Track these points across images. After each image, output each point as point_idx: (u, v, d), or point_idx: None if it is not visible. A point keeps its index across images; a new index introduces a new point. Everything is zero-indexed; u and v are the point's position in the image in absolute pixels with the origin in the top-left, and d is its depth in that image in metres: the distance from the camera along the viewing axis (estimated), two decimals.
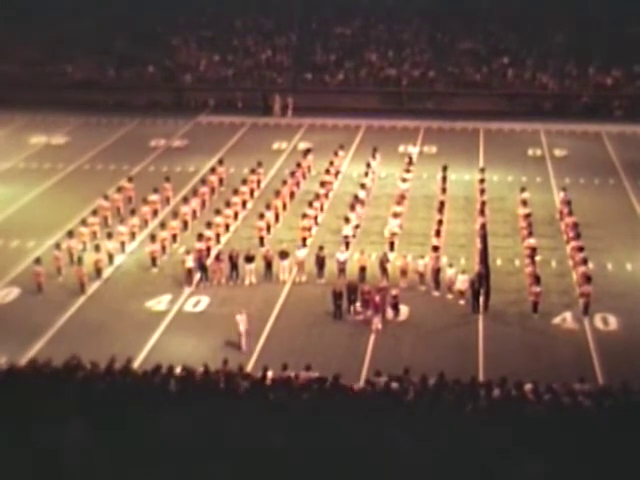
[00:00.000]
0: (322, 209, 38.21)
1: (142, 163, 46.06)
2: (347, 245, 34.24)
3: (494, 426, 18.48)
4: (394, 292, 29.69)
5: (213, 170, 41.80)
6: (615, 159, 46.68)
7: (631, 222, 38.17)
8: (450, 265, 31.53)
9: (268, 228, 35.71)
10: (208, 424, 18.02)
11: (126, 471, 16.86)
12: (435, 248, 32.03)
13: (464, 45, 61.06)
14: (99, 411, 18.36)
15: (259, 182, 41.34)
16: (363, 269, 32.04)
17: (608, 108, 55.55)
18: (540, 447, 17.22)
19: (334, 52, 61.14)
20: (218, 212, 35.96)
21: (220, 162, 42.74)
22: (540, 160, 46.86)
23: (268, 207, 36.42)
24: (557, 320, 29.49)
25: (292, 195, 39.61)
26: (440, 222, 34.52)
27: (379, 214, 37.94)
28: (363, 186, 39.15)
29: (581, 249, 32.16)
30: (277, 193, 37.90)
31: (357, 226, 36.10)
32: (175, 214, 36.73)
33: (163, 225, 35.23)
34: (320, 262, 32.18)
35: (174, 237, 35.06)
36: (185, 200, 37.94)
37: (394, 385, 21.43)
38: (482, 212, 35.56)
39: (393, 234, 34.70)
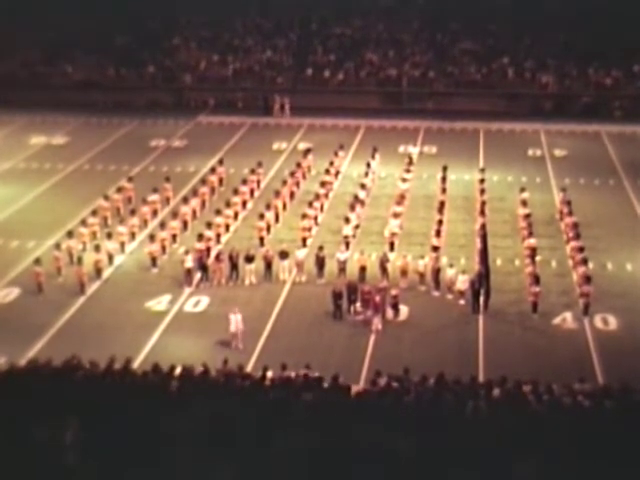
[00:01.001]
0: (322, 209, 38.21)
1: (142, 163, 46.06)
2: (347, 245, 34.23)
3: (494, 426, 18.48)
4: (394, 292, 29.69)
5: (213, 170, 41.80)
6: (615, 159, 46.66)
7: (631, 222, 38.16)
8: (450, 265, 31.53)
9: (268, 228, 35.71)
10: (208, 424, 18.03)
11: (126, 471, 16.87)
12: (435, 248, 32.04)
13: (464, 45, 61.04)
14: (99, 411, 18.37)
15: (259, 182, 41.33)
16: (363, 269, 32.04)
17: (608, 108, 55.51)
18: (540, 447, 17.23)
19: (334, 52, 61.11)
20: (218, 212, 35.95)
21: (220, 162, 42.73)
22: (540, 160, 46.85)
23: (268, 207, 36.42)
24: (557, 320, 29.49)
25: (292, 195, 39.61)
26: (440, 222, 34.52)
27: (379, 214, 37.94)
28: (363, 186, 39.15)
29: (581, 249, 32.15)
30: (277, 193, 37.89)
31: (357, 226, 36.10)
32: (175, 214, 36.72)
33: (163, 225, 35.22)
34: (320, 262, 32.18)
35: (174, 237, 35.05)
36: (185, 200, 37.93)
37: (394, 385, 21.44)
38: (482, 212, 35.55)
39: (393, 234, 34.70)
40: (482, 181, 39.50)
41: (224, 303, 30.47)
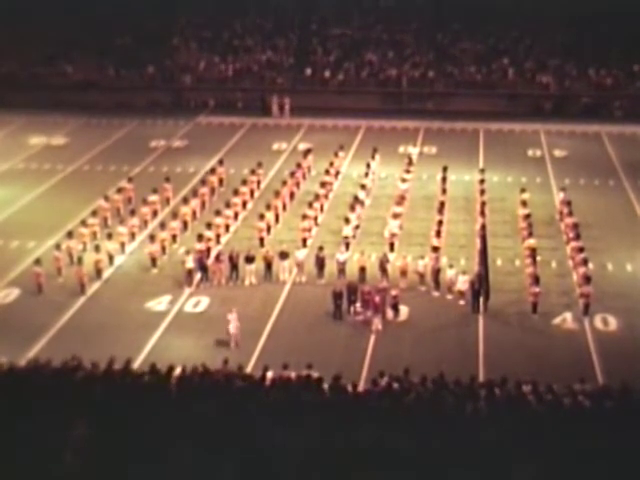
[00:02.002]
0: (322, 210, 38.20)
1: (142, 164, 46.05)
2: (347, 246, 34.24)
3: (494, 426, 18.48)
4: (394, 292, 29.69)
5: (213, 171, 41.79)
6: (615, 159, 46.67)
7: (631, 222, 38.16)
8: (450, 266, 31.53)
9: (268, 229, 35.71)
10: (208, 424, 18.03)
11: (127, 471, 16.88)
12: (435, 249, 32.03)
13: (464, 45, 61.06)
14: (99, 411, 18.38)
15: (259, 183, 41.32)
16: (363, 269, 32.04)
17: (608, 108, 55.54)
18: (540, 447, 17.23)
19: (334, 52, 61.13)
20: (218, 213, 35.95)
21: (220, 163, 42.72)
22: (540, 160, 46.85)
23: (268, 208, 36.42)
24: (557, 320, 29.50)
25: (292, 196, 39.61)
26: (440, 223, 34.52)
27: (379, 215, 37.93)
28: (363, 187, 39.16)
29: (581, 250, 32.15)
30: (277, 194, 37.88)
31: (357, 227, 36.10)
32: (175, 215, 36.72)
33: (163, 226, 35.22)
34: (320, 263, 32.18)
35: (174, 238, 35.05)
36: (185, 201, 37.93)
37: (394, 385, 21.44)
38: (482, 213, 35.55)
39: (393, 235, 34.70)
40: (482, 181, 39.51)
41: (224, 304, 30.47)
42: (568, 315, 29.70)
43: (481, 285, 29.64)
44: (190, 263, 31.87)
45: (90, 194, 39.99)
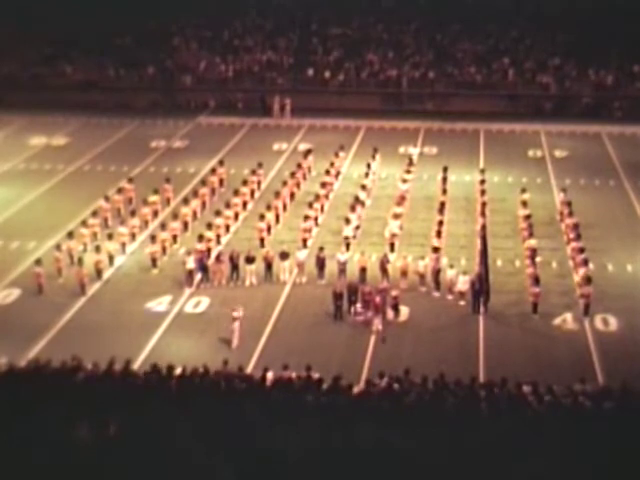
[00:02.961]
0: (322, 210, 38.21)
1: (142, 164, 46.05)
2: (347, 246, 34.24)
3: (494, 426, 18.49)
4: (394, 293, 29.69)
5: (213, 171, 41.78)
6: (615, 160, 46.66)
7: (631, 223, 38.16)
8: (451, 266, 31.53)
9: (268, 229, 35.70)
10: (208, 424, 18.04)
11: (127, 471, 16.87)
12: (435, 249, 32.03)
13: (464, 46, 61.06)
14: (99, 412, 18.38)
15: (259, 183, 41.32)
16: (363, 270, 32.04)
17: (608, 109, 55.52)
18: (540, 447, 17.23)
19: (334, 53, 61.13)
20: (218, 213, 35.95)
21: (220, 163, 42.71)
22: (540, 161, 46.85)
23: (268, 208, 36.41)
24: (557, 321, 29.50)
25: (292, 196, 39.60)
26: (440, 223, 34.52)
27: (379, 215, 37.92)
28: (363, 187, 39.15)
29: (582, 250, 32.14)
30: (277, 194, 37.87)
31: (357, 227, 36.10)
32: (175, 215, 36.73)
33: (163, 226, 35.21)
34: (320, 263, 32.18)
35: (174, 238, 35.05)
36: (185, 201, 37.92)
37: (395, 386, 21.44)
38: (482, 213, 35.55)
39: (393, 235, 34.70)
40: (482, 182, 39.49)
41: (224, 304, 30.48)
42: (568, 315, 29.70)
43: (481, 285, 29.64)
44: (190, 263, 31.87)
45: (90, 194, 40.01)
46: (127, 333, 28.67)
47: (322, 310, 30.01)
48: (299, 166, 41.94)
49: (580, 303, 29.97)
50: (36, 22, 62.31)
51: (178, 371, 22.07)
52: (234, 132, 52.48)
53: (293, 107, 55.37)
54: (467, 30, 62.25)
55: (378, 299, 28.82)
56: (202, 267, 32.02)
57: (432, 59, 60.15)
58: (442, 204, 36.64)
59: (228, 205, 36.93)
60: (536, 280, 29.81)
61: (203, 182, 40.81)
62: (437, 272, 31.42)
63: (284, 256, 32.48)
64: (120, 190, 39.70)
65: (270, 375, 22.67)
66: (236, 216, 37.44)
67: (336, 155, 43.58)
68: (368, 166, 41.72)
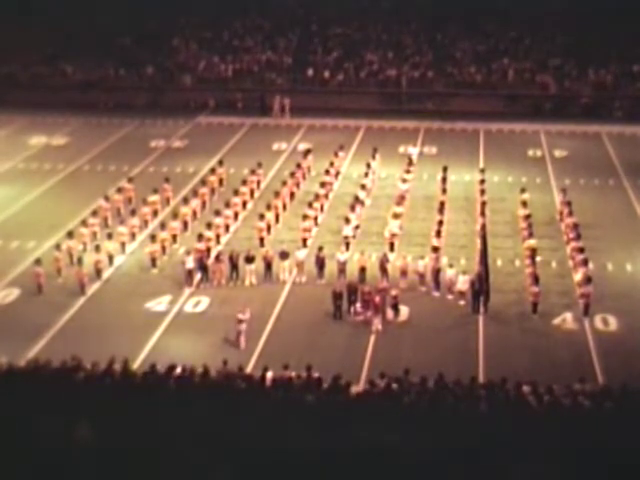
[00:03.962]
0: (322, 210, 38.20)
1: (142, 164, 46.05)
2: (347, 246, 34.24)
3: (494, 427, 18.49)
4: (394, 293, 29.68)
5: (213, 171, 41.77)
6: (615, 160, 46.66)
7: (631, 223, 38.16)
8: (450, 266, 31.52)
9: (268, 229, 35.70)
10: (208, 424, 18.03)
11: (127, 471, 16.87)
12: (435, 249, 32.02)
13: (464, 45, 61.06)
14: (99, 411, 18.37)
15: (259, 183, 41.31)
16: (363, 270, 32.03)
17: (608, 109, 55.51)
18: (540, 448, 17.23)
19: (334, 53, 61.12)
20: (218, 213, 35.95)
21: (220, 163, 42.70)
22: (540, 161, 46.85)
23: (268, 208, 36.41)
24: (557, 321, 29.49)
25: (292, 196, 39.59)
26: (440, 223, 34.51)
27: (379, 215, 37.93)
28: (363, 187, 39.15)
29: (581, 250, 32.14)
30: (277, 194, 37.86)
31: (357, 227, 36.09)
32: (175, 215, 36.71)
33: (163, 226, 35.21)
34: (320, 263, 32.17)
35: (174, 238, 35.03)
36: (185, 201, 37.92)
37: (394, 386, 21.44)
38: (482, 213, 35.54)
39: (393, 235, 34.70)
40: (482, 182, 39.49)
41: (224, 304, 30.49)
42: (568, 315, 29.70)
43: (481, 285, 29.63)
44: (190, 263, 31.86)
45: (90, 194, 39.98)
46: (127, 333, 28.65)
47: (322, 310, 30.00)
48: (299, 166, 41.93)
49: (580, 303, 29.97)
50: (36, 22, 62.29)
51: (178, 371, 22.06)
52: (234, 132, 52.47)
53: (292, 107, 55.35)
54: (467, 30, 62.25)
55: (378, 299, 28.81)
56: (202, 267, 32.01)
57: (432, 59, 60.14)
58: (442, 204, 36.63)
59: (228, 205, 36.93)
60: (536, 280, 29.81)
61: (203, 182, 40.81)
62: (437, 272, 31.42)
63: (284, 256, 32.48)
64: (120, 190, 39.69)
65: (270, 375, 22.66)
66: (236, 216, 37.44)
67: (336, 155, 43.57)
68: (368, 166, 41.72)
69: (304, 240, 34.61)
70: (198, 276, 32.13)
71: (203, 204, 38.66)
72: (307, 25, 64.37)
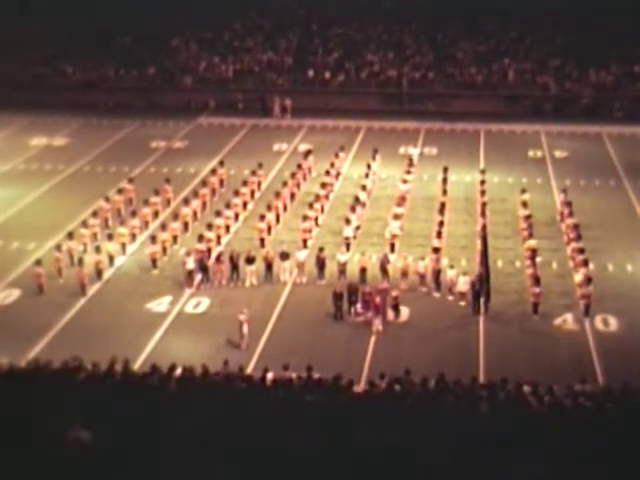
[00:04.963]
0: (322, 210, 38.21)
1: (143, 164, 46.07)
2: (348, 246, 34.24)
3: (495, 427, 18.48)
4: (395, 293, 29.69)
5: (214, 171, 41.78)
6: (615, 160, 46.67)
7: (632, 223, 38.17)
8: (451, 266, 31.53)
9: (269, 229, 35.71)
10: (209, 425, 18.04)
11: (127, 471, 16.87)
12: (436, 249, 32.03)
13: (464, 46, 61.08)
14: (100, 412, 18.37)
15: (259, 183, 41.32)
16: (364, 270, 32.04)
17: (608, 109, 55.52)
18: (540, 448, 17.23)
19: (334, 53, 61.14)
20: (219, 213, 35.96)
21: (221, 163, 42.72)
22: (541, 161, 46.87)
23: (269, 208, 36.43)
24: (558, 321, 29.50)
25: (292, 196, 39.61)
26: (441, 223, 34.53)
27: (380, 215, 37.94)
28: (364, 187, 39.16)
29: (582, 251, 32.15)
30: (277, 194, 37.88)
31: (358, 227, 36.11)
32: (176, 215, 36.74)
33: (164, 226, 35.22)
34: (321, 263, 32.18)
35: (175, 238, 35.05)
36: (186, 201, 37.92)
37: (395, 386, 21.43)
38: (483, 213, 35.56)
39: (394, 235, 34.70)
40: (483, 182, 39.51)
41: (225, 304, 30.51)
42: (569, 316, 29.71)
43: (482, 286, 29.64)
44: (191, 264, 31.87)
45: (91, 195, 40.00)
46: (127, 333, 28.67)
47: (322, 310, 30.01)
48: (299, 166, 41.96)
49: (580, 303, 29.97)
50: (37, 22, 62.30)
51: (178, 371, 22.06)
52: (234, 132, 52.50)
53: (293, 108, 55.37)
54: (467, 30, 62.27)
55: (378, 299, 28.82)
56: (202, 267, 32.02)
57: (432, 59, 60.17)
58: (442, 205, 36.64)
59: (228, 205, 36.94)
60: (536, 280, 29.82)
61: (203, 182, 40.84)
62: (437, 273, 31.43)
63: (284, 256, 32.49)
64: (120, 190, 39.71)
65: (270, 375, 22.66)
66: (236, 216, 37.45)
67: (336, 156, 43.59)
68: (368, 166, 41.74)
69: (305, 241, 34.63)
70: (199, 277, 32.14)
71: (204, 205, 38.68)
72: (307, 25, 64.40)
